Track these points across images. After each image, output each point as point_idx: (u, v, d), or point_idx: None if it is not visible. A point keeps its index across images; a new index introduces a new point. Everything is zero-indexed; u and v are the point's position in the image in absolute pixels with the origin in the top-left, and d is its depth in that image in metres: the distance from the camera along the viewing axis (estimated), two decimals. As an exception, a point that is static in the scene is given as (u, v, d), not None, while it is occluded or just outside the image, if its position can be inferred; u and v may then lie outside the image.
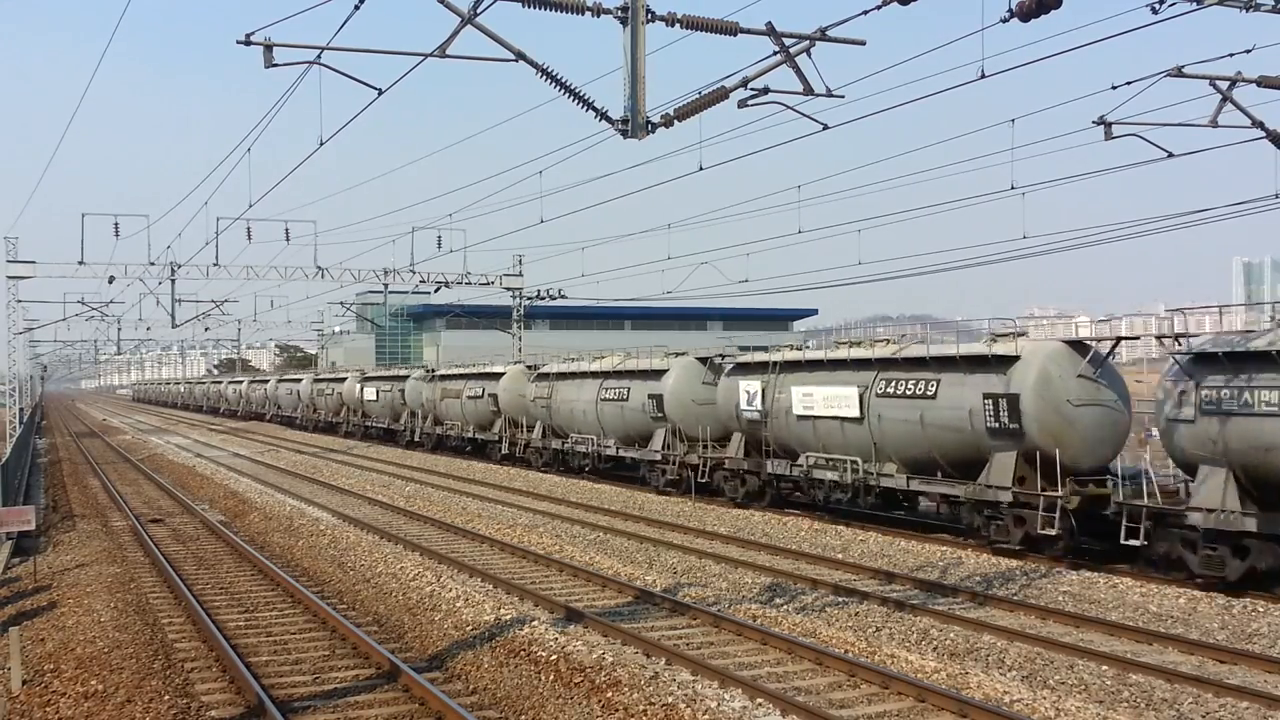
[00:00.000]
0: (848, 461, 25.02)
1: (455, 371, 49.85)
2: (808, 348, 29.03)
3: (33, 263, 49.18)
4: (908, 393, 23.52)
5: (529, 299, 55.80)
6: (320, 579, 20.28)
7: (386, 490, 34.55)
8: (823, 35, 12.74)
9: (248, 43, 12.25)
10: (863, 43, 13.27)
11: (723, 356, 32.30)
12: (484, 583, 18.95)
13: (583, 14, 11.79)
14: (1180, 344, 18.63)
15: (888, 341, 26.03)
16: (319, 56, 12.79)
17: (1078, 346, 21.43)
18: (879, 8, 11.91)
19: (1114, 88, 17.03)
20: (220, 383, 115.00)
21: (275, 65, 12.37)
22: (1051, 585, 18.22)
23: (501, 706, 12.37)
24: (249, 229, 44.30)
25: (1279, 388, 16.83)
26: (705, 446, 30.67)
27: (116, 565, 21.72)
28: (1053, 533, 19.80)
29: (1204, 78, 16.90)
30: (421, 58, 12.91)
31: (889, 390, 24.03)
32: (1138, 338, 23.78)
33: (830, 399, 25.56)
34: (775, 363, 27.95)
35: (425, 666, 13.99)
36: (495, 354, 53.24)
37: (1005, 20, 11.36)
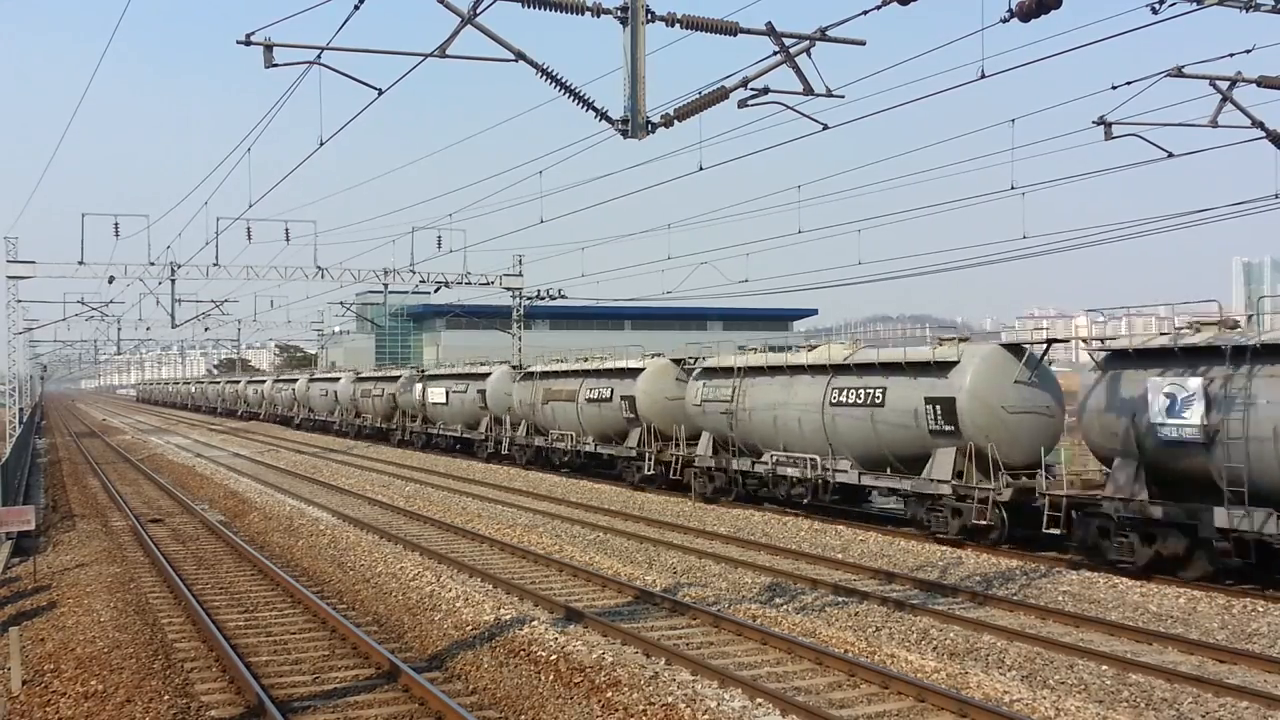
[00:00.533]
0: None
1: (562, 368, 40.57)
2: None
3: (33, 263, 49.15)
4: None
5: (529, 299, 55.81)
6: (320, 579, 20.28)
7: (386, 490, 34.56)
8: (823, 35, 12.76)
9: (248, 43, 12.28)
10: (863, 43, 13.29)
11: (1048, 342, 23.23)
12: (484, 583, 18.95)
13: (583, 14, 11.81)
14: None
15: None
16: (319, 56, 12.82)
17: None
18: (879, 8, 11.94)
19: (1114, 88, 17.07)
20: (238, 382, 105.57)
21: (275, 65, 12.40)
22: (1051, 585, 18.22)
23: (501, 706, 12.37)
24: (249, 229, 44.30)
25: None
26: (1032, 476, 21.30)
27: (116, 565, 21.72)
28: None
29: (1204, 78, 16.93)
30: (421, 58, 12.92)
31: None
32: None
33: None
34: (1239, 348, 17.32)
35: (425, 666, 13.99)
36: (494, 353, 53.13)
37: (1005, 20, 11.39)
